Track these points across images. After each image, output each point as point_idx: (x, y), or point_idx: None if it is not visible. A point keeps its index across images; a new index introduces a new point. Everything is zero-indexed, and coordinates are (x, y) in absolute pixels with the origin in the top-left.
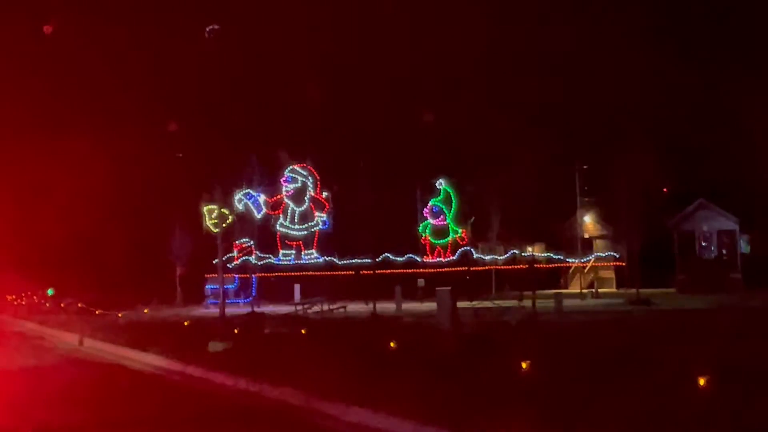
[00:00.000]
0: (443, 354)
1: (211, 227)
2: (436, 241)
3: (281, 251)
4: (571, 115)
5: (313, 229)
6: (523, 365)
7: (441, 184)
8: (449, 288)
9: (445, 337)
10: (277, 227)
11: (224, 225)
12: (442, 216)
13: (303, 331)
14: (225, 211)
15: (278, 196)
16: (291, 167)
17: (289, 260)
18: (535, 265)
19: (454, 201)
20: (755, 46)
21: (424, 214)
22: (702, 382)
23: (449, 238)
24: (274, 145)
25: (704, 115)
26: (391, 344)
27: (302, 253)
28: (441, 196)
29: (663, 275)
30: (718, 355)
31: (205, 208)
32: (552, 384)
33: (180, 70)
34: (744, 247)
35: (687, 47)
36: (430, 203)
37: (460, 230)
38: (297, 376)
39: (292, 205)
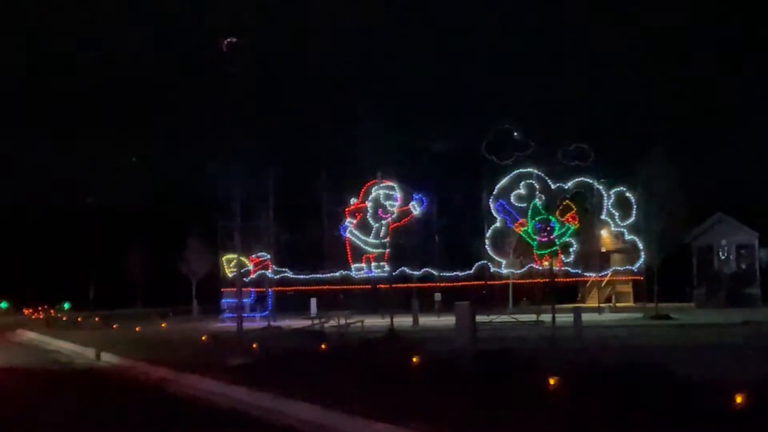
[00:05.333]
0: (464, 370)
1: (229, 275)
2: None
3: (353, 265)
4: (590, 128)
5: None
6: (550, 381)
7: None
8: (468, 302)
9: (465, 352)
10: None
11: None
12: None
13: (323, 346)
14: (244, 259)
15: (361, 205)
16: (387, 184)
17: (363, 273)
18: (557, 279)
19: None
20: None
21: None
22: (739, 399)
23: None
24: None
25: (725, 128)
26: (411, 359)
27: (372, 265)
28: None
29: (681, 289)
30: (743, 371)
31: (224, 258)
32: (579, 402)
33: (198, 84)
34: (764, 261)
35: (708, 64)
36: None
37: None
38: (317, 391)
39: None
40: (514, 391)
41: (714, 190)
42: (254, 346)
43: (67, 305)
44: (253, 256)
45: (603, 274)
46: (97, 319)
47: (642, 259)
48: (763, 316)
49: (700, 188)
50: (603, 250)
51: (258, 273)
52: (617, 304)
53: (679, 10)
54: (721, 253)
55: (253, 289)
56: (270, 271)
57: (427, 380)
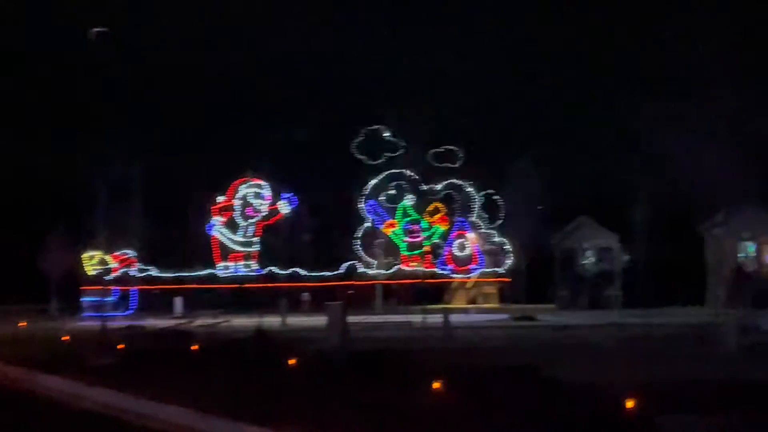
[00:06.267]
0: (339, 371)
1: (90, 272)
2: None
3: (220, 264)
4: (460, 132)
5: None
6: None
7: None
8: (340, 302)
9: (339, 353)
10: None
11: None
12: None
13: (191, 347)
14: (107, 258)
15: (229, 203)
16: (256, 182)
17: (232, 272)
18: (425, 280)
19: None
20: (632, 71)
21: None
22: (630, 404)
23: None
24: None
25: (588, 133)
26: (284, 360)
27: (239, 264)
28: None
29: (544, 291)
30: (615, 373)
31: (85, 255)
32: (458, 404)
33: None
34: (624, 263)
35: (566, 68)
36: None
37: None
38: (186, 393)
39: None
40: (390, 393)
41: (578, 194)
42: (119, 346)
43: None
44: (117, 253)
45: (470, 275)
46: None
47: (509, 261)
48: (623, 318)
49: (565, 192)
50: (470, 251)
51: (121, 271)
52: (483, 305)
53: (549, 11)
54: (583, 255)
55: (115, 288)
56: (134, 268)
57: (302, 382)
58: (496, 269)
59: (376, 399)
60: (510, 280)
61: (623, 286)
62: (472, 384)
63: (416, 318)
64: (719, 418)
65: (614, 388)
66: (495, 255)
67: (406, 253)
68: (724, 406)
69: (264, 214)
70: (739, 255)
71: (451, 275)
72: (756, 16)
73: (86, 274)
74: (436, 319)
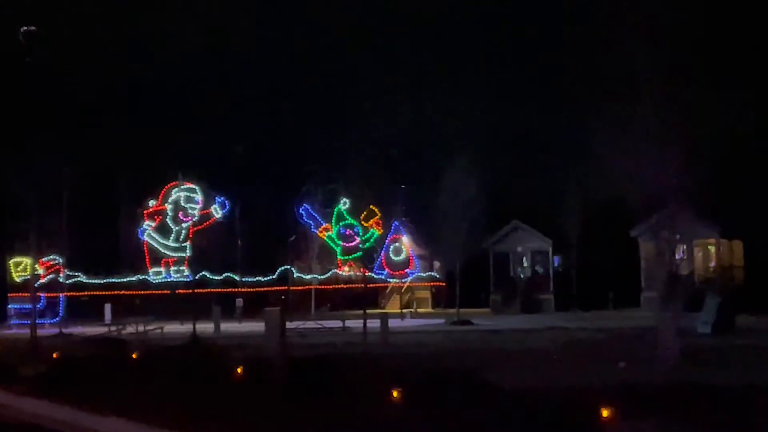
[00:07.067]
0: (278, 380)
1: (17, 279)
2: None
3: (151, 269)
4: (390, 135)
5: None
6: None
7: None
8: (279, 308)
9: (278, 360)
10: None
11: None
12: None
13: (123, 355)
14: (37, 266)
15: (161, 207)
16: (188, 186)
17: (164, 277)
18: (366, 285)
19: None
20: (569, 76)
21: None
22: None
23: None
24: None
25: (521, 139)
26: (226, 369)
27: (171, 269)
28: None
29: (478, 295)
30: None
31: (11, 261)
32: (407, 411)
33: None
34: (557, 267)
35: (502, 74)
36: None
37: None
38: (126, 404)
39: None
40: (344, 403)
41: (512, 198)
42: (53, 354)
43: None
44: (44, 259)
45: (405, 279)
46: None
47: (442, 265)
48: (559, 321)
49: (498, 195)
50: (406, 255)
51: (48, 277)
52: (419, 310)
53: (478, 15)
54: (516, 259)
55: (42, 294)
56: (62, 275)
57: (248, 392)
58: (431, 273)
59: (329, 409)
60: (445, 284)
61: (556, 290)
62: (426, 393)
63: (353, 323)
64: (668, 422)
65: (567, 393)
66: (428, 259)
67: (341, 258)
68: (669, 409)
69: (196, 218)
70: (672, 258)
71: (386, 279)
72: (694, 16)
73: (13, 281)
74: (374, 324)
